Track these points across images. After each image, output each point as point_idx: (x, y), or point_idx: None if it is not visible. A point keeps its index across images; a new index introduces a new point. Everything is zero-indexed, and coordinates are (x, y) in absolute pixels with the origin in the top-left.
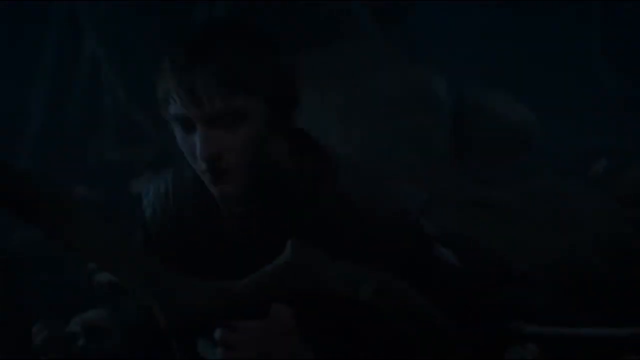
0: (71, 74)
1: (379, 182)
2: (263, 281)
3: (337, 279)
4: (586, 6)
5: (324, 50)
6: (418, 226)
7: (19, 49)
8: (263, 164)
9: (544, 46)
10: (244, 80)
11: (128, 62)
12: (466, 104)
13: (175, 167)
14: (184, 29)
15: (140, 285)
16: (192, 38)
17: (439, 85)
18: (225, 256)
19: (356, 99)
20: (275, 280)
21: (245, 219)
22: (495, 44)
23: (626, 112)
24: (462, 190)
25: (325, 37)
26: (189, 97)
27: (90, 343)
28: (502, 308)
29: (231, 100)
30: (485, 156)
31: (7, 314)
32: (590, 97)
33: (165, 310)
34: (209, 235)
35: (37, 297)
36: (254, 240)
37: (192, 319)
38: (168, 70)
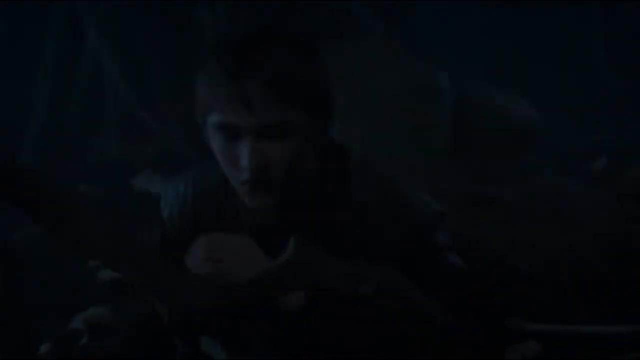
0: (72, 72)
1: (394, 188)
2: (265, 279)
3: (338, 276)
4: (587, 5)
5: (324, 49)
6: (428, 236)
7: (19, 47)
8: (302, 179)
9: (544, 45)
10: (297, 92)
11: (129, 60)
12: (468, 102)
13: (195, 170)
14: (229, 35)
15: (142, 282)
16: (244, 45)
17: (441, 84)
18: None
19: (357, 98)
20: (277, 278)
21: (265, 229)
22: (496, 43)
23: (626, 111)
24: (462, 188)
25: (325, 37)
26: (243, 107)
27: (93, 340)
28: (503, 306)
29: (285, 112)
30: (487, 154)
31: (7, 313)
32: (590, 95)
33: (168, 308)
34: None
35: (37, 296)
36: (269, 248)
37: (194, 316)
38: (218, 77)
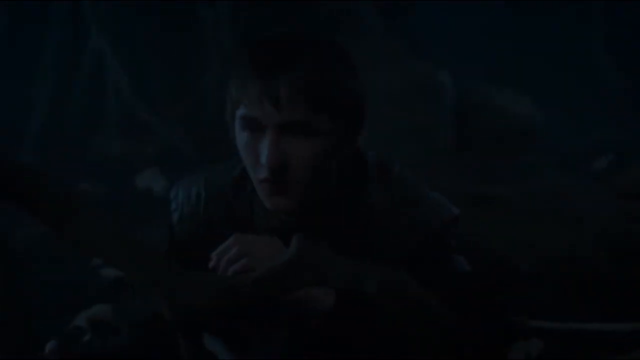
0: (73, 71)
1: (410, 191)
2: (268, 276)
3: (342, 274)
4: (587, 5)
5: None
6: (442, 239)
7: (21, 46)
8: (321, 183)
9: (545, 45)
10: (326, 95)
11: (130, 59)
12: (468, 101)
13: (206, 172)
14: (262, 35)
15: (145, 280)
16: (278, 45)
17: (442, 83)
18: None
19: None
20: (280, 276)
21: (278, 232)
22: (496, 42)
23: (627, 111)
24: (464, 187)
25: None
26: (270, 101)
27: (96, 338)
28: (505, 305)
29: (311, 112)
30: (487, 154)
31: (9, 312)
32: (591, 95)
33: (170, 305)
34: None
35: (39, 295)
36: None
37: (197, 313)
38: (250, 72)
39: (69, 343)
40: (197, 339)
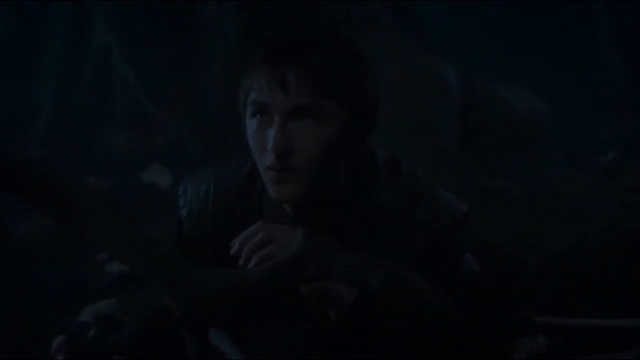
0: (79, 66)
1: (420, 189)
2: (273, 271)
3: (347, 269)
4: (592, 3)
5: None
6: (453, 236)
7: (27, 38)
8: (327, 175)
9: (551, 41)
10: (336, 83)
11: (137, 54)
12: (475, 96)
13: (215, 168)
14: (273, 32)
15: (151, 274)
16: (289, 37)
17: (448, 78)
18: None
19: None
20: (285, 270)
21: None
22: (502, 38)
23: (632, 107)
24: (470, 181)
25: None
26: (278, 85)
27: (101, 333)
28: (511, 301)
29: (318, 98)
30: (494, 149)
31: (14, 308)
32: (596, 91)
33: (176, 300)
34: None
35: (43, 291)
36: None
37: (203, 308)
38: (261, 60)
39: (75, 338)
40: (203, 334)
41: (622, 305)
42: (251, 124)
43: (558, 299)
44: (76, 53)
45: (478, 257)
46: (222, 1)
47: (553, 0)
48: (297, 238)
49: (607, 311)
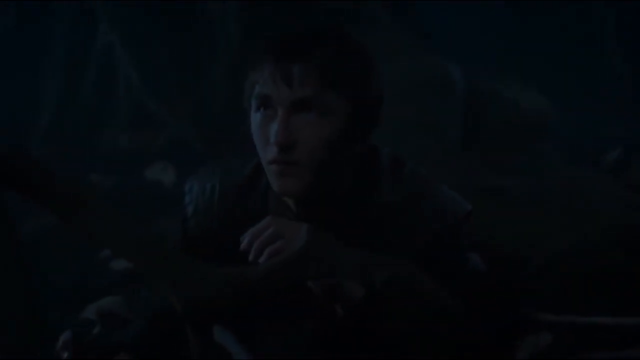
0: (83, 63)
1: (424, 187)
2: (278, 267)
3: (350, 266)
4: (596, 0)
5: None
6: (456, 235)
7: (29, 37)
8: (331, 171)
9: (556, 39)
10: (340, 78)
11: (141, 51)
12: (479, 94)
13: (221, 166)
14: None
15: (154, 272)
16: (294, 32)
17: (452, 76)
18: None
19: None
20: (289, 267)
21: None
22: (506, 35)
23: (638, 103)
24: (474, 178)
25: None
26: (282, 78)
27: (105, 330)
28: (516, 299)
29: (322, 92)
30: (497, 147)
31: (19, 304)
32: (601, 87)
33: (180, 298)
34: None
35: (48, 287)
36: None
37: (206, 306)
38: (266, 54)
39: (79, 336)
40: (207, 332)
41: (626, 303)
42: (255, 118)
43: (561, 297)
44: (79, 52)
45: (481, 253)
46: (225, 1)
47: (555, 0)
48: (301, 236)
49: (611, 309)
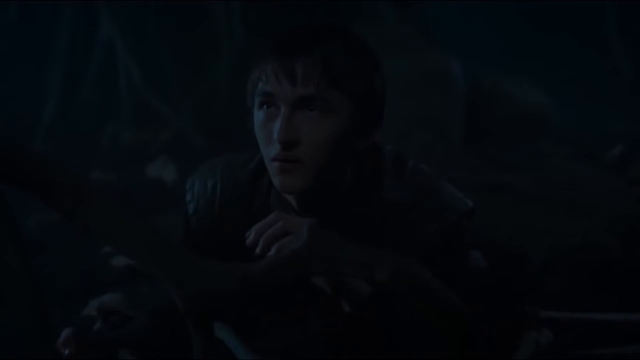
0: (86, 56)
1: (427, 186)
2: (280, 263)
3: (353, 262)
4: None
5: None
6: (459, 233)
7: (33, 32)
8: (333, 168)
9: (559, 32)
10: (343, 77)
11: (143, 47)
12: (482, 87)
13: (224, 164)
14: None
15: (156, 268)
16: (297, 30)
17: (454, 71)
18: None
19: None
20: (291, 263)
21: None
22: (508, 31)
23: None
24: (476, 175)
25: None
26: (286, 76)
27: (106, 327)
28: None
29: (325, 89)
30: (499, 142)
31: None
32: (605, 82)
33: (181, 294)
34: None
35: (52, 281)
36: None
37: (208, 302)
38: (270, 52)
39: (81, 332)
40: (208, 328)
41: (630, 299)
42: (258, 115)
43: (565, 293)
44: (82, 48)
45: (484, 251)
46: (228, 0)
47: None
48: (302, 233)
49: (615, 305)
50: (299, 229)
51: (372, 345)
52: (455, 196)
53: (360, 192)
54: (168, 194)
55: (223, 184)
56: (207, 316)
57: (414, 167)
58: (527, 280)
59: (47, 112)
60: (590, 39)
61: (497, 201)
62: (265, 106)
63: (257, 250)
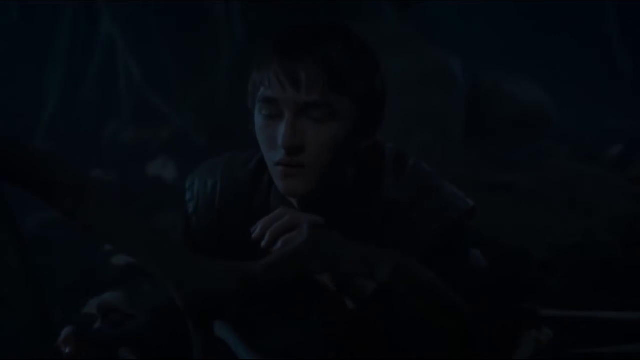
0: (86, 55)
1: (427, 185)
2: (279, 262)
3: (353, 260)
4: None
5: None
6: (460, 232)
7: (33, 32)
8: (336, 170)
9: (559, 32)
10: (346, 80)
11: (143, 45)
12: (482, 86)
13: (224, 163)
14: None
15: (156, 267)
16: (299, 31)
17: (454, 69)
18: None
19: None
20: (291, 261)
21: None
22: (509, 29)
23: None
24: (477, 174)
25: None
26: (289, 81)
27: (106, 325)
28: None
29: (329, 94)
30: (501, 139)
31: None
32: (605, 82)
33: (181, 292)
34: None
35: (53, 280)
36: None
37: (208, 300)
38: (272, 55)
39: (81, 330)
40: (208, 327)
41: (631, 297)
42: (260, 119)
43: (565, 291)
44: (82, 48)
45: (485, 250)
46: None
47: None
48: (302, 231)
49: (615, 304)
50: (301, 225)
51: (372, 345)
52: (455, 195)
53: (361, 191)
54: (168, 193)
55: (223, 183)
56: (207, 315)
57: (415, 166)
58: (528, 279)
59: (47, 112)
60: (591, 39)
61: (498, 200)
62: (267, 111)
63: (263, 244)
